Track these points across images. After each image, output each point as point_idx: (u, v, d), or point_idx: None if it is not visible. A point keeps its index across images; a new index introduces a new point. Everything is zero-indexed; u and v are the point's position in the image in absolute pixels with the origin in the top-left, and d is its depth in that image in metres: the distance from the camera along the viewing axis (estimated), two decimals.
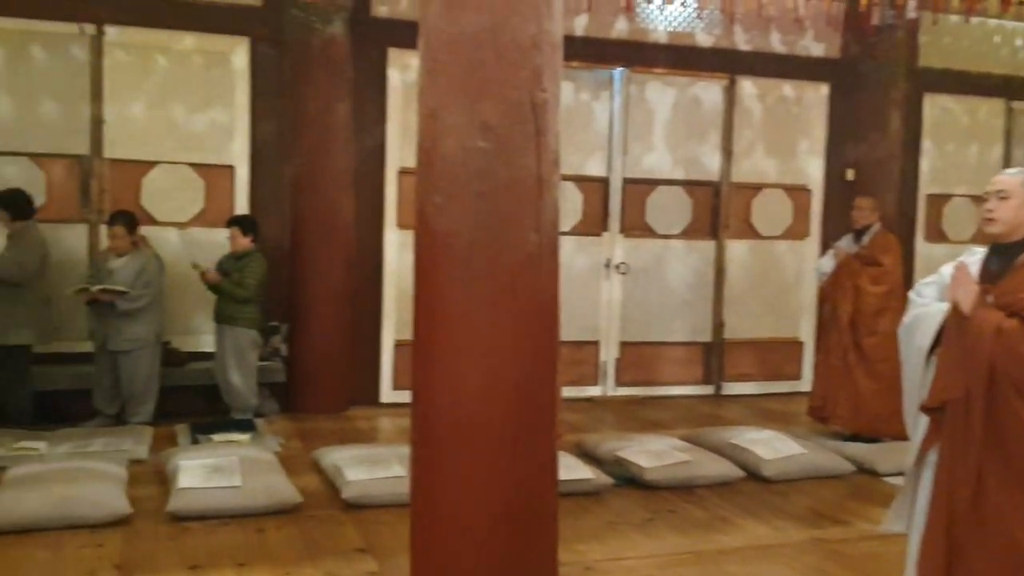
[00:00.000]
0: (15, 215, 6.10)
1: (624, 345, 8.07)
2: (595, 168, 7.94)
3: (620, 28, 7.91)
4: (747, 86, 8.26)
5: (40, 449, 5.54)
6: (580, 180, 7.83)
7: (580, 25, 7.70)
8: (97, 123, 6.77)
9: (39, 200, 6.42)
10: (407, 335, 7.18)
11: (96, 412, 6.38)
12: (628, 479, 5.35)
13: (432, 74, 3.19)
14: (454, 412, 3.16)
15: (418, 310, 3.28)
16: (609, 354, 8.05)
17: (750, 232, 8.38)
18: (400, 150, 7.33)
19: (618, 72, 7.91)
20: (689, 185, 8.22)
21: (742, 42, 8.21)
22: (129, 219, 6.33)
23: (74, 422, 6.27)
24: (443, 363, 3.19)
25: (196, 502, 4.57)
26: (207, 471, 4.83)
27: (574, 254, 7.74)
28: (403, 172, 7.32)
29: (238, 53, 7.06)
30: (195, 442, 5.82)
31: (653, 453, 5.53)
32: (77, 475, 4.73)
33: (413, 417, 3.31)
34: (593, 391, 7.98)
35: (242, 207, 7.07)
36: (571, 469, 5.03)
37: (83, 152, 6.75)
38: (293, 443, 6.06)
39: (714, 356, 8.30)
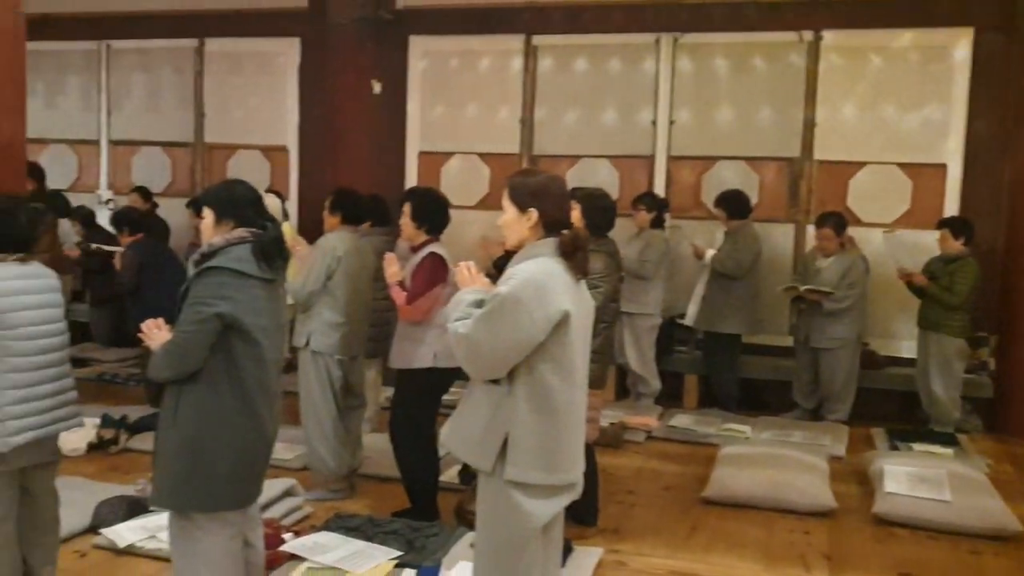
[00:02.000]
0: (732, 214, 6.63)
1: None
2: None
3: None
4: None
5: (746, 432, 5.98)
6: None
7: None
8: (809, 126, 7.02)
9: (753, 201, 6.87)
10: None
11: (794, 404, 6.64)
12: None
13: None
14: None
15: None
16: None
17: None
18: None
19: None
20: None
21: None
22: (837, 220, 6.41)
23: (773, 411, 6.63)
24: None
25: (903, 508, 4.44)
26: (912, 480, 4.67)
27: None
28: None
29: (960, 46, 6.67)
30: (893, 448, 5.68)
31: None
32: (784, 462, 4.95)
33: None
34: None
35: (952, 208, 6.69)
36: None
37: (794, 155, 7.07)
38: (1003, 466, 5.52)
39: None
